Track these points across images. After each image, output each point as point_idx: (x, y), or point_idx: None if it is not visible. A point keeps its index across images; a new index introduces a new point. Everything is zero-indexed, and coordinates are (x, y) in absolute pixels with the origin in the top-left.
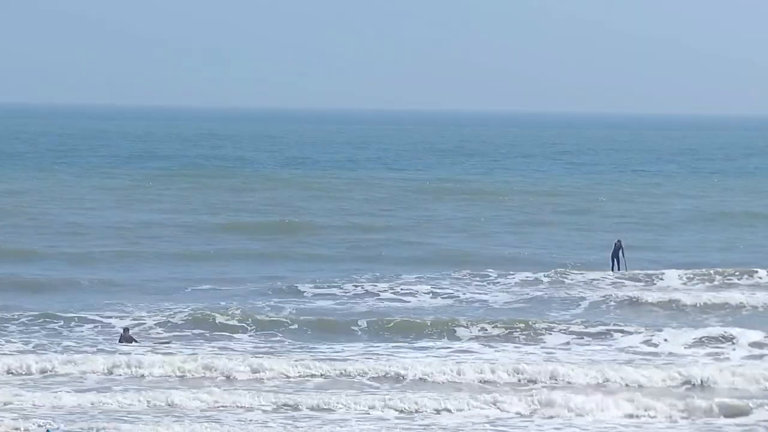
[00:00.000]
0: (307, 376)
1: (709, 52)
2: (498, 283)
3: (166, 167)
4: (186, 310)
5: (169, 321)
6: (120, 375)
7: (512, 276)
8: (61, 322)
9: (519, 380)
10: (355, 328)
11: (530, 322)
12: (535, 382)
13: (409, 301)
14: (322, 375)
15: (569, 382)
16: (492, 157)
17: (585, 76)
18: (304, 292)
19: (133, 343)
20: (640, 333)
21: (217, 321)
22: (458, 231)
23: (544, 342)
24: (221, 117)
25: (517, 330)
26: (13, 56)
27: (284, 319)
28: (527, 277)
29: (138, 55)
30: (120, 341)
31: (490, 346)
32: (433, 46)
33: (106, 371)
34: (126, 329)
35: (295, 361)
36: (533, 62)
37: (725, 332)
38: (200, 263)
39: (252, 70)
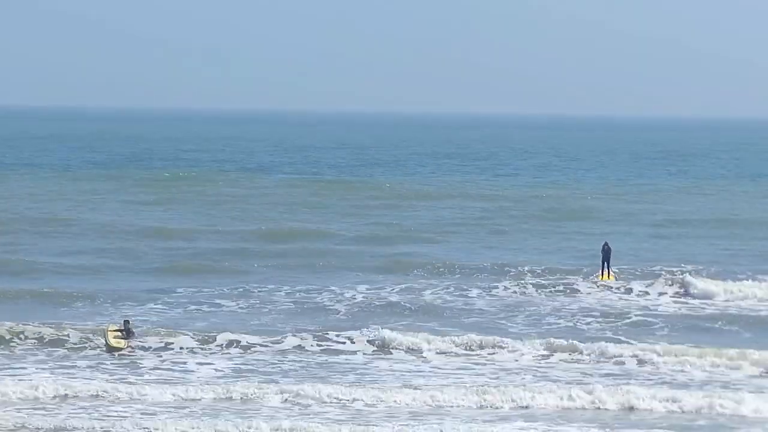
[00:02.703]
0: None
1: (709, 52)
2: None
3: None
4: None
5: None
6: None
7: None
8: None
9: None
10: None
11: None
12: None
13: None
14: None
15: None
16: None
17: (585, 76)
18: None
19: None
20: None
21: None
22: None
23: None
24: (218, 119)
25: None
26: (12, 57)
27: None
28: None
29: (138, 55)
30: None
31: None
32: (433, 46)
33: None
34: (127, 322)
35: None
36: (533, 62)
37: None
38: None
39: (252, 70)
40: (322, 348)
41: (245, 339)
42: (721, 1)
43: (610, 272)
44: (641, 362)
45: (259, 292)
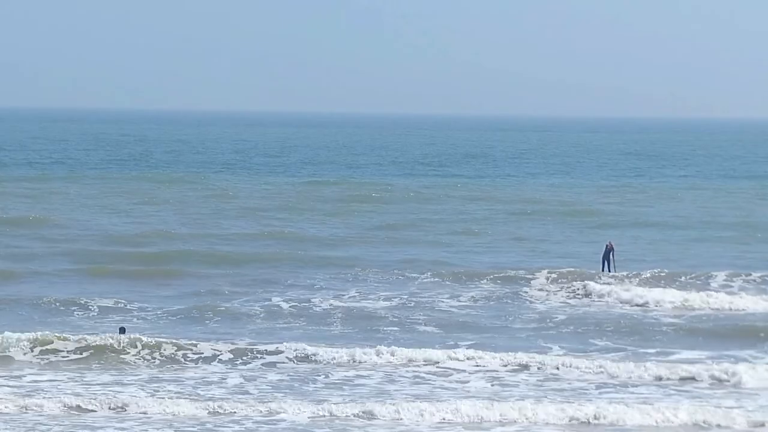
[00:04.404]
0: None
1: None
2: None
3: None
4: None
5: None
6: None
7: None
8: None
9: None
10: None
11: None
12: None
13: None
14: None
15: None
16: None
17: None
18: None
19: None
20: None
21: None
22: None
23: None
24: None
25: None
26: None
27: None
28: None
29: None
30: None
31: None
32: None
33: None
34: (122, 329)
35: None
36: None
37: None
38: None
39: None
40: (296, 359)
41: (221, 348)
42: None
43: (610, 269)
44: None
45: (231, 299)
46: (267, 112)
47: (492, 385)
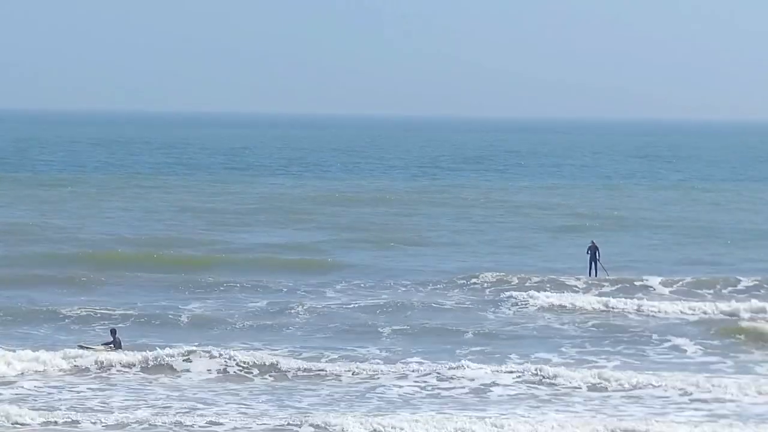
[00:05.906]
0: None
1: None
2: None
3: None
4: None
5: None
6: None
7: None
8: None
9: None
10: None
11: None
12: None
13: None
14: None
15: None
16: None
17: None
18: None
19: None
20: None
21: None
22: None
23: None
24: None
25: None
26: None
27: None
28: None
29: None
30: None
31: None
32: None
33: None
34: (114, 331)
35: None
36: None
37: None
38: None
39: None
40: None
41: (203, 355)
42: None
43: (599, 270)
44: None
45: (219, 304)
46: (267, 113)
47: (476, 395)
